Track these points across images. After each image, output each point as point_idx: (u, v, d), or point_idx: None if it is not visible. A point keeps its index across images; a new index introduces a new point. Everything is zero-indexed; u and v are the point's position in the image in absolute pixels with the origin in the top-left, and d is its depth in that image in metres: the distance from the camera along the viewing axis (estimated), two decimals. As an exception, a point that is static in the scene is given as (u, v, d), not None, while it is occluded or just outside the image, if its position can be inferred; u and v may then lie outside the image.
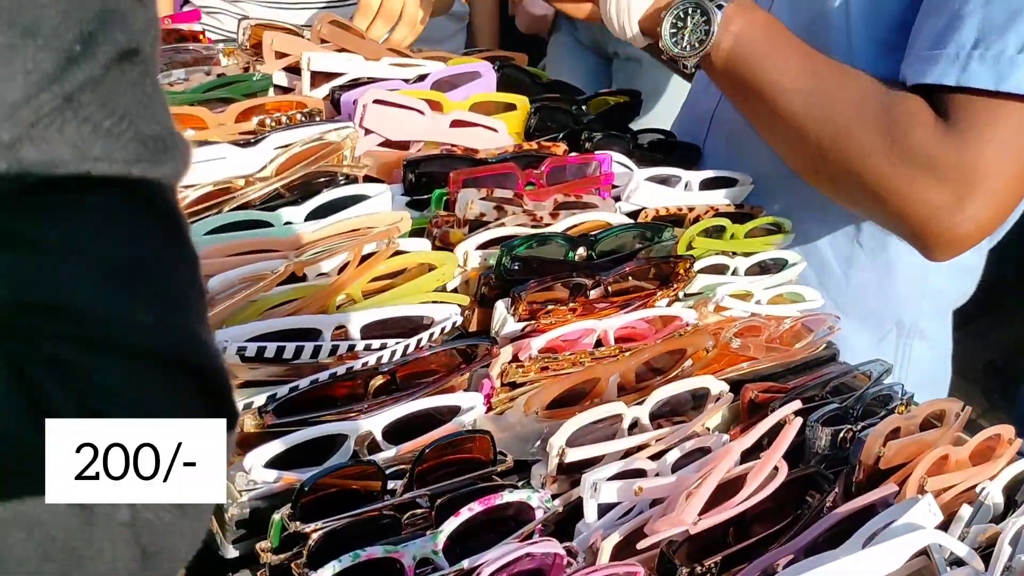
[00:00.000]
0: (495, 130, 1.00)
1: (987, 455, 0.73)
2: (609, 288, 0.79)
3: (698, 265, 0.86)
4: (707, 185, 0.99)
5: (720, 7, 0.85)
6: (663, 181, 0.97)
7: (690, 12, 0.86)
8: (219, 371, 0.35)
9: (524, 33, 2.08)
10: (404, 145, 0.95)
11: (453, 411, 0.67)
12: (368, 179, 0.86)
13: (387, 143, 0.94)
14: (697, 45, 0.86)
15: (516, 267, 0.76)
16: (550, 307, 0.75)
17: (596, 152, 0.96)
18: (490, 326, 0.77)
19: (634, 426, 0.71)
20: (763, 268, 0.94)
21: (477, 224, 0.82)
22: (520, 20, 2.01)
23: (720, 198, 0.98)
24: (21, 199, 0.32)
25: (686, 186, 0.97)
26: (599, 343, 0.77)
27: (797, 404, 0.71)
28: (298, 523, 0.51)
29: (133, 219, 0.34)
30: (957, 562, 0.59)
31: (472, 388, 0.72)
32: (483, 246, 0.80)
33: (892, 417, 0.73)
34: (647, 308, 0.79)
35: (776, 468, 0.65)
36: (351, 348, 0.65)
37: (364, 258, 0.72)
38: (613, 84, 1.92)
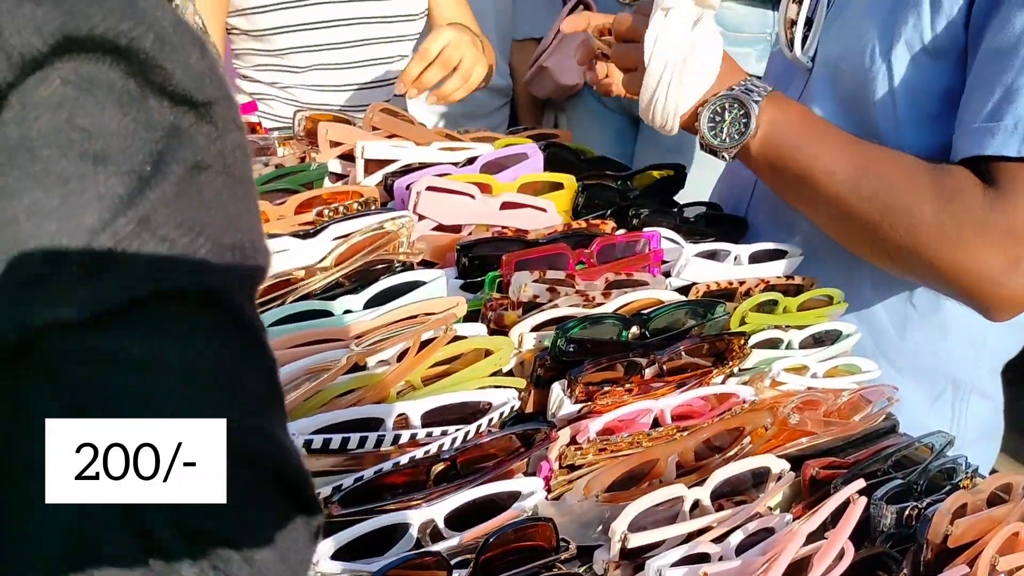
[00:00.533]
0: (544, 210, 1.02)
1: None
2: (664, 367, 0.79)
3: (752, 340, 0.86)
4: (756, 258, 0.99)
5: (757, 101, 0.88)
6: (712, 255, 0.98)
7: (727, 106, 0.89)
8: (299, 470, 0.37)
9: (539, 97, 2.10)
10: (456, 228, 0.98)
11: (513, 496, 0.68)
12: (423, 263, 0.88)
13: (440, 227, 0.97)
14: (737, 137, 0.90)
15: (571, 348, 0.77)
16: (606, 388, 0.75)
17: (644, 229, 0.98)
18: (546, 408, 0.78)
19: (695, 507, 0.70)
20: (817, 340, 0.93)
21: (531, 306, 0.84)
22: (542, 87, 2.02)
23: (770, 271, 0.99)
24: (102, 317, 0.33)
25: (735, 260, 0.97)
26: (656, 423, 0.77)
27: (861, 483, 0.70)
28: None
29: (211, 328, 0.36)
30: (1036, 648, 0.57)
31: (530, 471, 0.73)
32: (537, 328, 0.81)
33: (959, 493, 0.72)
34: (703, 386, 0.79)
35: (843, 550, 0.64)
36: (413, 436, 0.67)
37: (423, 344, 0.73)
38: (638, 144, 1.93)
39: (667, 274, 0.96)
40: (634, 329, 0.82)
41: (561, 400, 0.76)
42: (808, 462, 0.76)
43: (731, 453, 0.76)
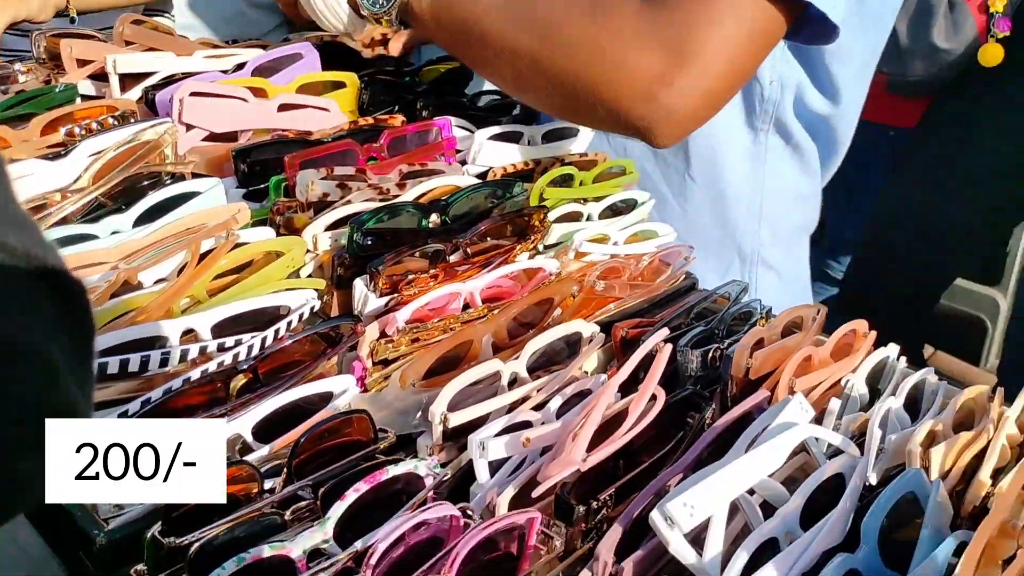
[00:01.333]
0: (327, 109, 0.96)
1: (847, 351, 0.76)
2: (468, 250, 0.78)
3: (552, 215, 0.86)
4: (549, 138, 0.99)
5: None
6: (506, 140, 0.96)
7: None
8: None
9: None
10: (232, 137, 0.90)
11: (325, 398, 0.64)
12: (197, 176, 0.81)
13: (212, 137, 0.89)
14: None
15: (369, 242, 0.73)
16: (411, 277, 0.73)
17: (435, 119, 0.94)
18: (352, 307, 0.74)
19: (513, 382, 0.70)
20: (615, 211, 0.95)
21: (322, 206, 0.79)
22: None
23: (564, 149, 0.99)
24: None
25: (529, 141, 0.96)
26: (467, 306, 0.76)
27: (665, 332, 0.72)
28: (173, 538, 0.47)
29: None
30: (835, 452, 0.61)
31: (343, 372, 0.70)
32: (332, 227, 0.77)
33: (755, 329, 0.75)
34: (509, 264, 0.78)
35: (654, 396, 0.66)
36: (203, 350, 0.61)
37: (204, 256, 0.67)
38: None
39: (463, 163, 0.93)
40: (434, 217, 0.79)
41: (365, 296, 0.72)
42: (617, 324, 0.78)
43: (544, 325, 0.76)
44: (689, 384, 0.71)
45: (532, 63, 0.81)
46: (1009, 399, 0.66)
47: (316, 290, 0.71)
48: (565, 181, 0.91)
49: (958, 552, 0.49)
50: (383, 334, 0.70)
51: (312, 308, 0.69)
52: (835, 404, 0.67)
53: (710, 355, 0.74)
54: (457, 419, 0.63)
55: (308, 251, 0.76)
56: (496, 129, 0.94)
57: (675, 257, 0.93)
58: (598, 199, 0.92)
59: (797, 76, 1.01)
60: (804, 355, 0.71)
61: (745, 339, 0.73)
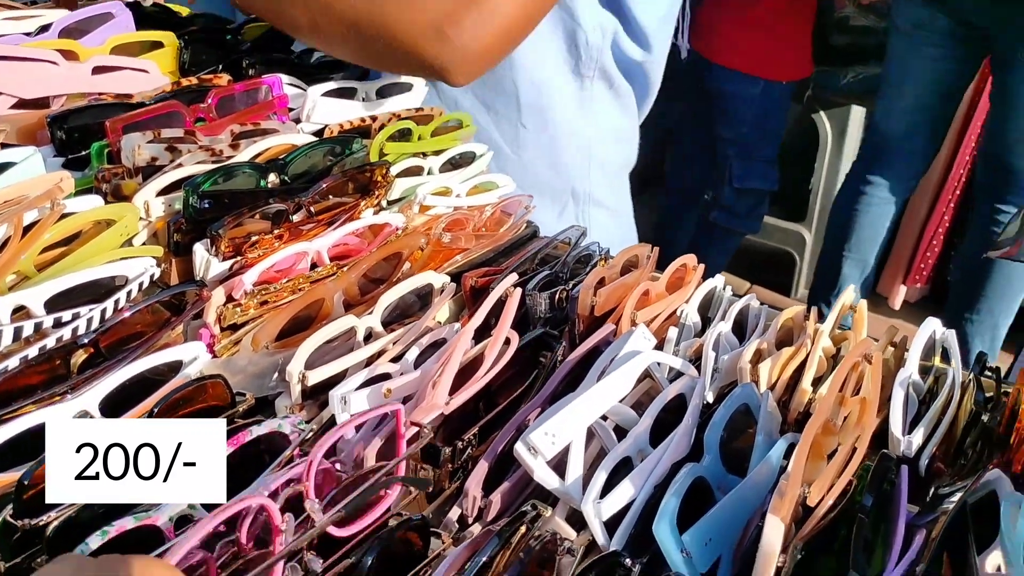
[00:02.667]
0: (146, 71, 0.91)
1: (679, 284, 0.81)
2: (312, 209, 0.77)
3: (395, 170, 0.86)
4: (384, 93, 0.98)
5: None
6: (340, 96, 0.95)
7: None
8: None
9: None
10: (43, 103, 0.84)
11: (175, 368, 0.62)
12: (8, 147, 0.75)
13: (21, 104, 0.82)
14: None
15: (206, 205, 0.71)
16: (255, 239, 0.71)
17: (263, 77, 0.91)
18: (193, 273, 0.72)
19: (369, 336, 0.70)
20: (455, 164, 0.96)
21: (151, 170, 0.75)
22: None
23: (399, 104, 0.98)
24: None
25: (364, 97, 0.95)
26: (314, 266, 0.75)
27: (514, 278, 0.75)
28: (26, 520, 0.45)
29: None
30: (676, 375, 0.66)
31: (190, 342, 0.67)
32: (164, 192, 0.74)
33: (596, 270, 0.79)
34: (354, 220, 0.78)
35: (508, 340, 0.68)
36: (38, 327, 0.58)
37: (27, 229, 0.63)
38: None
39: (298, 121, 0.91)
40: (272, 177, 0.77)
41: (207, 260, 0.70)
42: (466, 275, 0.79)
43: (394, 280, 0.77)
44: (539, 326, 0.74)
45: (325, 8, 0.81)
46: (821, 319, 0.74)
47: (154, 257, 0.68)
48: (404, 136, 0.91)
49: (788, 453, 0.54)
50: (230, 298, 0.68)
51: (152, 276, 0.66)
52: (673, 333, 0.72)
53: (556, 297, 0.78)
54: (315, 377, 0.63)
55: (141, 218, 0.72)
56: (330, 85, 0.92)
57: (516, 207, 0.96)
58: (437, 153, 0.93)
59: (613, 24, 1.06)
60: (643, 290, 0.76)
61: (588, 279, 0.77)
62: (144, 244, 0.72)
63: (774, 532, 0.47)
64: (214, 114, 0.83)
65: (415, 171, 0.89)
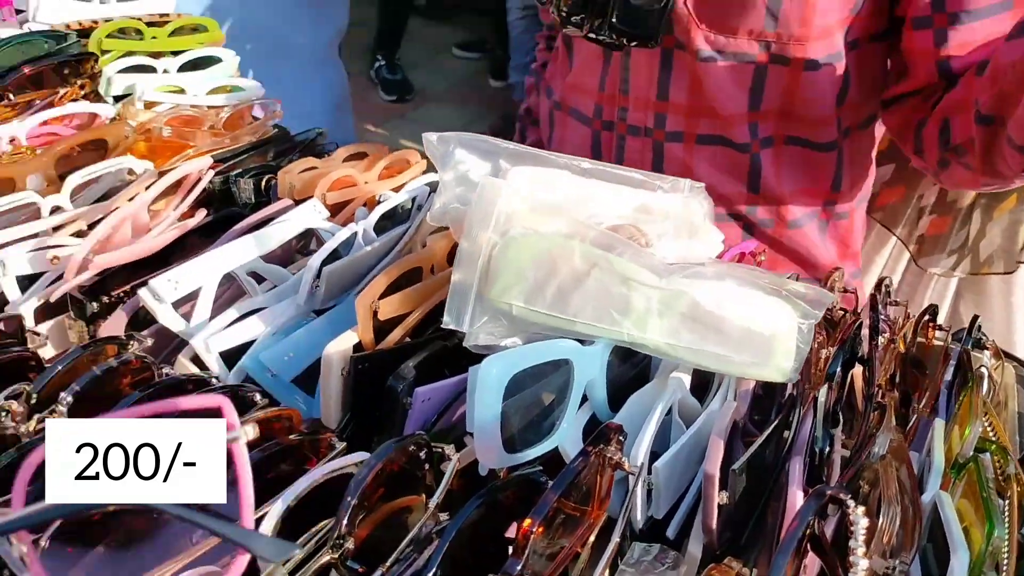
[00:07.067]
0: None
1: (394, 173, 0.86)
2: (11, 96, 0.78)
3: (117, 66, 0.88)
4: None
5: None
6: (75, -1, 0.96)
7: None
8: None
9: None
10: None
11: None
12: None
13: None
14: None
15: None
16: (-64, 119, 0.73)
17: (-10, -23, 0.92)
18: None
19: (55, 211, 0.73)
20: (197, 67, 0.98)
21: None
22: None
23: (143, 10, 1.00)
24: None
25: (100, 0, 0.97)
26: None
27: (208, 161, 0.78)
28: None
29: None
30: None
31: None
32: None
33: (309, 159, 0.84)
34: (55, 108, 0.80)
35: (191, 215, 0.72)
36: None
37: None
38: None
39: (25, 23, 0.92)
40: (-25, 66, 0.79)
41: None
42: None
43: (93, 164, 0.79)
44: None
45: None
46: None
47: None
48: (134, 35, 0.92)
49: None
50: (-91, 175, 0.70)
51: None
52: (362, 211, 0.76)
53: (264, 182, 0.82)
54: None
55: None
56: (59, -14, 0.93)
57: (265, 109, 0.99)
58: (176, 54, 0.95)
59: None
60: (341, 175, 0.80)
61: (292, 165, 0.81)
62: None
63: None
64: (-75, 8, 0.84)
65: (145, 69, 0.91)
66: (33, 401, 0.49)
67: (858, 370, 0.59)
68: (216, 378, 0.55)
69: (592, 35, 0.81)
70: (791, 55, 0.80)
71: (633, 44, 0.81)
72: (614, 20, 0.78)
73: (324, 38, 1.48)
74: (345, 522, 0.39)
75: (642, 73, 0.87)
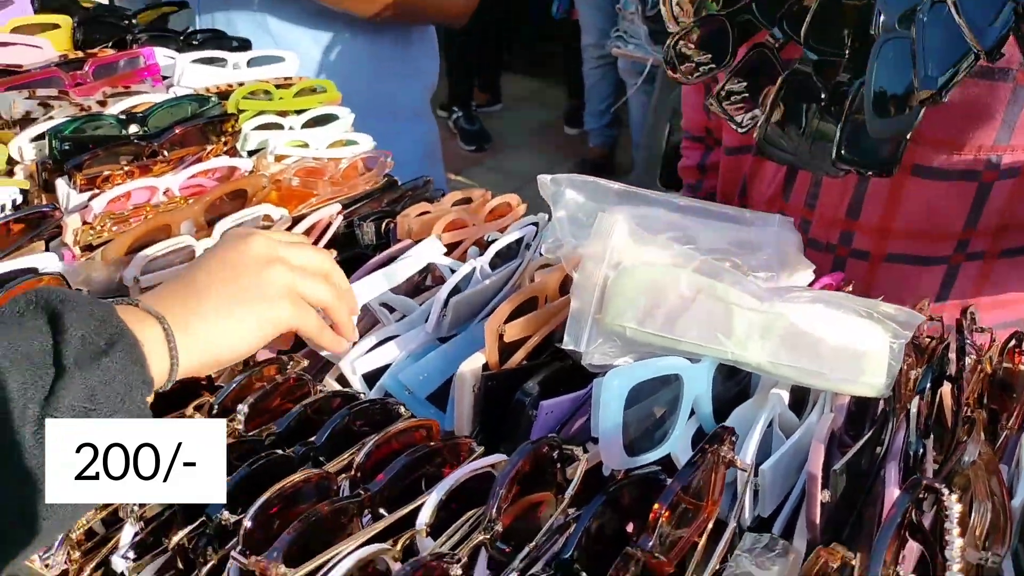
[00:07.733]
0: (39, 47, 1.03)
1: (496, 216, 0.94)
2: (165, 153, 0.89)
3: (250, 124, 0.98)
4: (254, 64, 1.11)
5: None
6: (210, 64, 1.07)
7: None
8: None
9: None
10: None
11: (31, 272, 0.74)
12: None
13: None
14: None
15: (67, 147, 0.83)
16: (107, 174, 0.83)
17: (139, 47, 1.04)
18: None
19: (207, 254, 0.82)
20: (318, 124, 1.08)
21: (27, 123, 0.88)
22: None
23: (269, 73, 1.11)
24: None
25: (234, 66, 1.08)
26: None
27: (337, 208, 0.87)
28: None
29: None
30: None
31: (53, 261, 0.79)
32: (37, 139, 0.86)
33: (423, 204, 0.92)
34: (202, 163, 0.90)
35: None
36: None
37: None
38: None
39: (171, 87, 1.04)
40: (133, 127, 0.89)
41: (68, 193, 0.82)
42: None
43: (237, 212, 0.89)
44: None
45: None
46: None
47: (20, 188, 0.80)
48: (264, 97, 1.03)
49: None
50: (84, 222, 0.80)
51: (15, 201, 0.78)
52: (474, 251, 0.84)
53: (383, 225, 0.90)
54: (148, 280, 0.75)
55: (17, 161, 0.84)
56: (199, 53, 1.05)
57: (375, 162, 1.08)
58: (299, 112, 1.05)
59: None
60: (453, 217, 0.88)
61: (410, 209, 0.89)
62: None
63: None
64: (90, 78, 0.96)
65: (274, 127, 1.01)
66: (214, 412, 0.57)
67: (946, 389, 0.63)
68: (363, 394, 0.62)
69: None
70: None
71: (869, 174, 0.73)
72: (842, 151, 0.71)
73: (418, 92, 1.58)
74: (495, 508, 0.45)
75: (835, 189, 0.81)
